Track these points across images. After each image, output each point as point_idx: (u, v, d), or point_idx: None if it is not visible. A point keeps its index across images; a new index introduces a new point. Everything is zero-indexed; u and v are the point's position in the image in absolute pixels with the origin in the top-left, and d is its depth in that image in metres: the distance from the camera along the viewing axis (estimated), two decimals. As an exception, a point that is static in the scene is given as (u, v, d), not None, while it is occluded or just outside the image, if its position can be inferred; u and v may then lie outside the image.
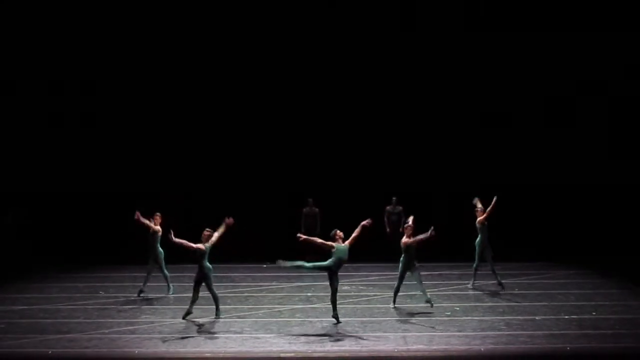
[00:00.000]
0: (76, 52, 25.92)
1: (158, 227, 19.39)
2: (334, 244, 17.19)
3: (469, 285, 20.24)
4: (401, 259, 18.39)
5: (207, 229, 17.60)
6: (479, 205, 20.06)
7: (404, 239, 18.34)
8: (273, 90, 26.34)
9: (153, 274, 19.55)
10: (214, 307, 17.69)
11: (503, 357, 15.16)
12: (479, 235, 19.99)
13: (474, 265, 20.15)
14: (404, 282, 18.49)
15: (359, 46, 26.19)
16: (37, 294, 20.03)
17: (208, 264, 17.46)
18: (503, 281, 20.30)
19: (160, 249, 19.48)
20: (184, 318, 17.42)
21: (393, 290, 18.62)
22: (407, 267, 18.24)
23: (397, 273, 18.49)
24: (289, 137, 26.44)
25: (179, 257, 23.71)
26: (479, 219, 19.98)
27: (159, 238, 19.37)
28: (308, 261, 23.80)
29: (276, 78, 26.28)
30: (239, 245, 24.66)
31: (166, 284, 19.79)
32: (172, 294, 19.68)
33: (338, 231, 17.34)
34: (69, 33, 25.73)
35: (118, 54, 26.13)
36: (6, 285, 21.05)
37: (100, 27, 25.81)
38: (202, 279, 17.47)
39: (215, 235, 17.58)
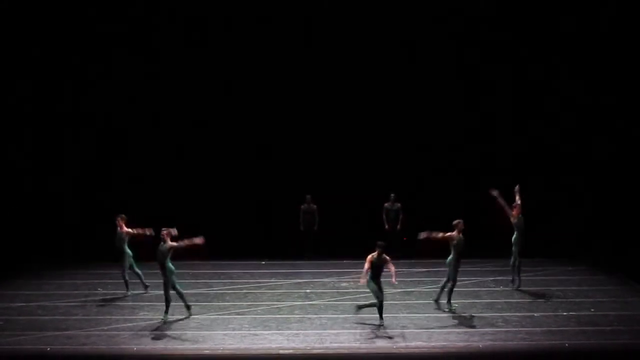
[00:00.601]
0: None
1: (127, 230, 19.18)
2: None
3: (514, 287, 19.66)
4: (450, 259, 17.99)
5: (165, 228, 17.17)
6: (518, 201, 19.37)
7: (453, 234, 17.87)
8: (271, 87, 26.28)
9: (136, 269, 19.34)
10: (165, 307, 17.33)
11: (501, 354, 15.19)
12: (515, 232, 19.43)
13: (515, 263, 19.58)
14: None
15: (357, 45, 26.12)
16: (35, 291, 19.99)
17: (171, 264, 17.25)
18: (501, 278, 20.39)
19: (128, 250, 19.27)
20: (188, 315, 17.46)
21: (447, 290, 18.17)
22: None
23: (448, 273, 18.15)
24: (286, 133, 26.38)
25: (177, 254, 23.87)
26: (513, 213, 19.26)
27: (127, 239, 19.20)
28: (307, 257, 24.05)
29: (274, 75, 26.23)
30: (238, 241, 24.74)
31: (124, 284, 19.35)
32: (131, 294, 19.33)
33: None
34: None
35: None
36: (4, 282, 21.01)
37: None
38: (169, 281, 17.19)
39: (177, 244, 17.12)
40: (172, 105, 26.18)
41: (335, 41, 26.05)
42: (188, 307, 17.63)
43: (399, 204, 24.45)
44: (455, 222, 17.98)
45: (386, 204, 24.55)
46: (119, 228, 19.31)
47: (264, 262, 23.71)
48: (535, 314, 17.53)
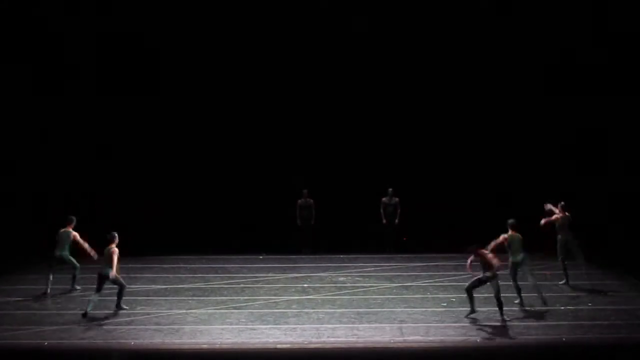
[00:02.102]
0: None
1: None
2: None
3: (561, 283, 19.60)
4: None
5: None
6: (552, 208, 19.48)
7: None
8: (269, 82, 26.27)
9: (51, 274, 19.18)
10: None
11: (499, 348, 15.19)
12: (559, 236, 19.48)
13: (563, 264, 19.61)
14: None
15: (354, 44, 26.12)
16: (33, 285, 19.94)
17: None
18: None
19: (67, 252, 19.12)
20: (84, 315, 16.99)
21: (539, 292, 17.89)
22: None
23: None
24: (284, 128, 26.37)
25: (174, 249, 23.90)
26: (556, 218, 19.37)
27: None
28: (305, 252, 24.08)
29: (271, 71, 26.21)
30: (235, 236, 24.75)
31: (46, 285, 19.13)
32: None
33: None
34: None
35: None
36: (3, 276, 21.01)
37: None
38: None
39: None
40: (168, 100, 26.20)
41: (332, 35, 26.05)
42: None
43: (396, 199, 24.45)
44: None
45: (384, 199, 24.56)
46: (69, 230, 19.10)
47: (262, 257, 23.71)
48: (533, 308, 17.52)
